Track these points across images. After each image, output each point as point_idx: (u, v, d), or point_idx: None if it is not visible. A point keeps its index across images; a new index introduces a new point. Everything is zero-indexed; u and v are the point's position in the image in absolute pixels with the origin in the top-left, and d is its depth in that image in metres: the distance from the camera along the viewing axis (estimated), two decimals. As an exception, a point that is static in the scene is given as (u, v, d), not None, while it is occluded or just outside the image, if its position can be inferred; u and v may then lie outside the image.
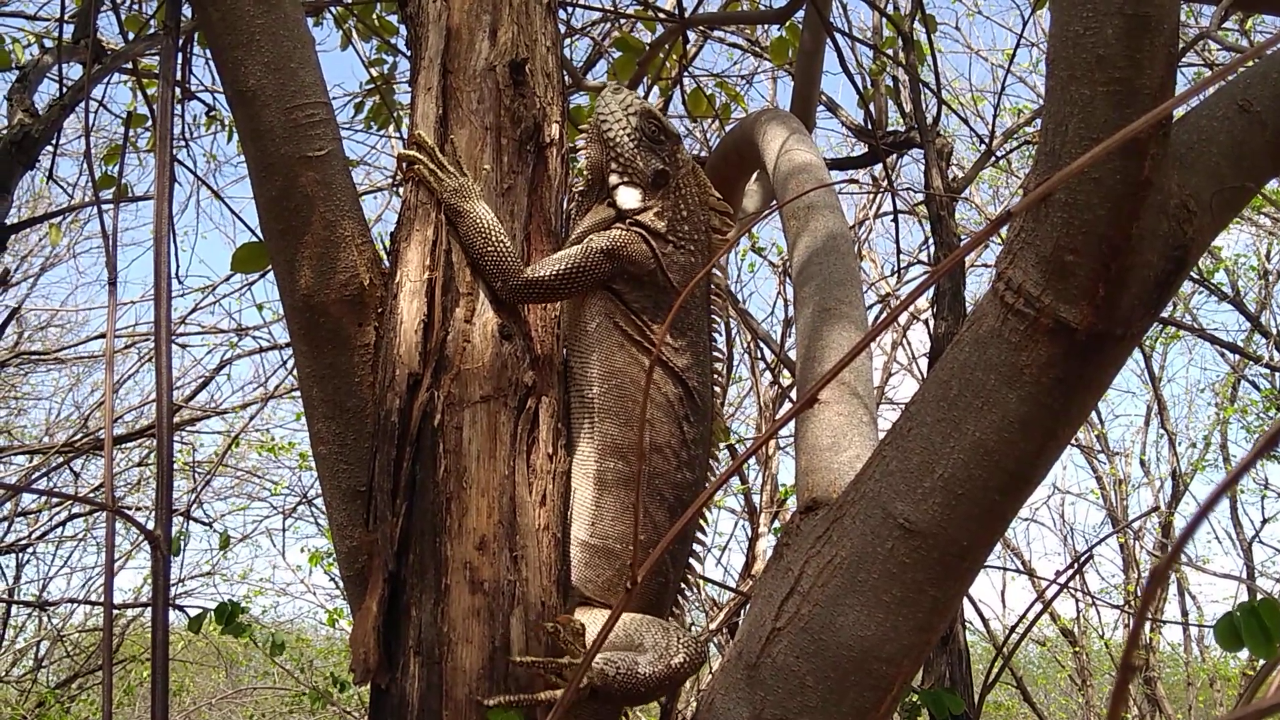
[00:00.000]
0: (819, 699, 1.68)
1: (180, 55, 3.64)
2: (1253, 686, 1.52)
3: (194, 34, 3.71)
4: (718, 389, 2.51)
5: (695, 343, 2.41)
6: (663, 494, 2.28)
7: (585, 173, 2.48)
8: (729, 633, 6.59)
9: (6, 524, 8.99)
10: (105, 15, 4.86)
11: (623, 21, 6.01)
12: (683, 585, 2.40)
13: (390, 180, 7.36)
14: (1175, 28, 1.45)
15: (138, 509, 9.04)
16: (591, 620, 2.11)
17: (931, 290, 5.19)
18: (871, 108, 6.16)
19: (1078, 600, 10.61)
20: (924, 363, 8.50)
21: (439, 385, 2.13)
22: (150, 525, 2.19)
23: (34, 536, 9.36)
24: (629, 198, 2.39)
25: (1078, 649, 11.09)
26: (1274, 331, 10.23)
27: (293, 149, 2.13)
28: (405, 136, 2.45)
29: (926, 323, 7.95)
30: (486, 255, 2.20)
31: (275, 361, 8.78)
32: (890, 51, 6.00)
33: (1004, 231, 1.62)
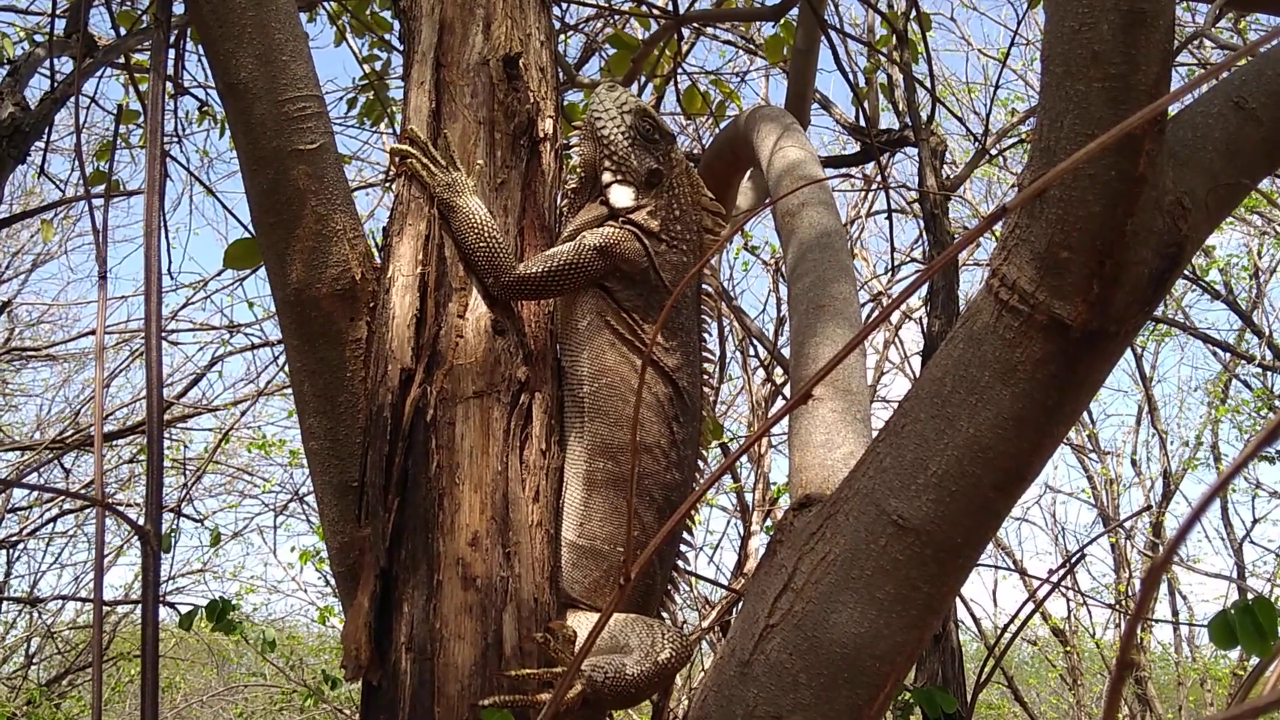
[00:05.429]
0: (812, 696, 1.67)
1: (172, 50, 3.63)
2: (1246, 685, 1.52)
3: (186, 29, 3.69)
4: (707, 389, 2.50)
5: (685, 343, 2.40)
6: (652, 494, 2.27)
7: (578, 170, 2.48)
8: (721, 631, 6.59)
9: (-3, 520, 8.97)
10: (98, 10, 4.84)
11: (617, 18, 6.00)
12: (669, 587, 2.39)
13: (383, 176, 7.35)
14: (1171, 24, 1.45)
15: (129, 505, 9.01)
16: (579, 624, 2.10)
17: (925, 288, 5.19)
18: (865, 105, 6.16)
19: (1069, 600, 10.63)
20: (917, 361, 8.51)
21: (431, 380, 2.12)
22: (141, 521, 2.18)
23: (24, 533, 9.34)
24: (622, 196, 2.38)
25: (1069, 648, 11.11)
26: (1266, 330, 10.25)
27: (284, 142, 2.12)
28: (398, 131, 2.44)
29: (920, 321, 7.96)
30: (479, 251, 2.19)
31: (267, 358, 8.78)
32: (885, 49, 6.00)
33: (998, 228, 1.62)
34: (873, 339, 8.23)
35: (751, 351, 7.81)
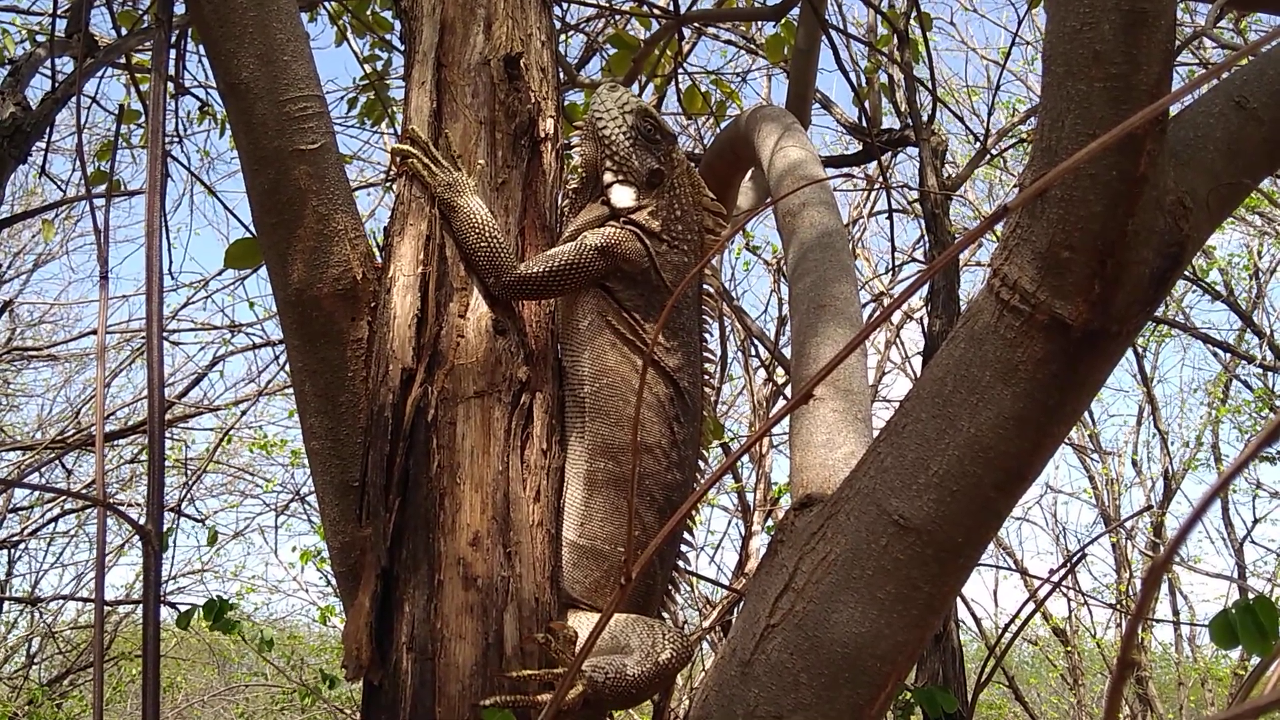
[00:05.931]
0: (813, 696, 1.67)
1: (174, 50, 3.63)
2: (1247, 684, 1.52)
3: (187, 29, 3.69)
4: (708, 389, 2.50)
5: (686, 343, 2.40)
6: (652, 495, 2.27)
7: (580, 170, 2.48)
8: (722, 631, 6.59)
9: (-2, 520, 8.97)
10: (99, 10, 4.84)
11: (617, 18, 6.00)
12: (670, 587, 2.39)
13: (384, 176, 7.35)
14: (1172, 24, 1.45)
15: (130, 505, 9.01)
16: (579, 624, 2.10)
17: (926, 288, 5.19)
18: (866, 105, 6.16)
19: (1070, 600, 10.62)
20: (918, 361, 8.50)
21: (432, 380, 2.12)
22: (142, 521, 2.18)
23: (26, 532, 9.34)
24: (623, 196, 2.38)
25: (1070, 648, 11.11)
26: (1267, 330, 10.25)
27: (285, 142, 2.12)
28: (399, 131, 2.44)
29: (921, 321, 7.95)
30: (479, 250, 2.19)
31: (268, 358, 8.76)
32: (886, 49, 6.00)
33: (999, 228, 1.62)
34: (874, 339, 8.23)
35: (753, 351, 7.81)
